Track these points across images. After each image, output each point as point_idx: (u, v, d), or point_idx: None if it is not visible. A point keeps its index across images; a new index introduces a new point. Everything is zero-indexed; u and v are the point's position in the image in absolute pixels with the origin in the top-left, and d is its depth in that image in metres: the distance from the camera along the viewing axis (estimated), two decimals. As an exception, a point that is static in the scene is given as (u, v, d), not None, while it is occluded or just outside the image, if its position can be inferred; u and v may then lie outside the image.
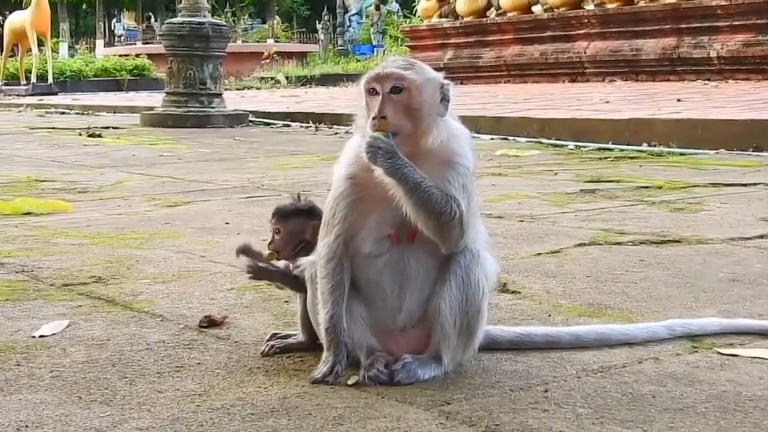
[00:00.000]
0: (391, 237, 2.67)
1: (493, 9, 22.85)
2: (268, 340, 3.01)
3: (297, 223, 2.94)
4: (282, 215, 2.98)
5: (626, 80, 18.59)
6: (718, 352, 2.92)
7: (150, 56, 32.29)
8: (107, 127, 14.03)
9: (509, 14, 21.98)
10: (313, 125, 13.94)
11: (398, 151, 2.57)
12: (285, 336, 3.02)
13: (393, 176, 2.57)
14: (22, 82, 27.41)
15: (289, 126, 14.36)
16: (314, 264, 2.78)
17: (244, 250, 3.01)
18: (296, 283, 2.90)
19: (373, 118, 2.59)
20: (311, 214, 2.93)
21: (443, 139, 2.66)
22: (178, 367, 2.84)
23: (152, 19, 65.90)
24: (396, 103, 2.60)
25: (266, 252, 3.00)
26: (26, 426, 2.38)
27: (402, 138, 2.61)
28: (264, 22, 60.71)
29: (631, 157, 8.99)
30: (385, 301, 2.72)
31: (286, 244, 2.96)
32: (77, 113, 19.00)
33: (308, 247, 2.88)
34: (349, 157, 2.72)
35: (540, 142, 10.56)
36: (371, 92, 2.63)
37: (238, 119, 14.68)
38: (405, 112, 2.61)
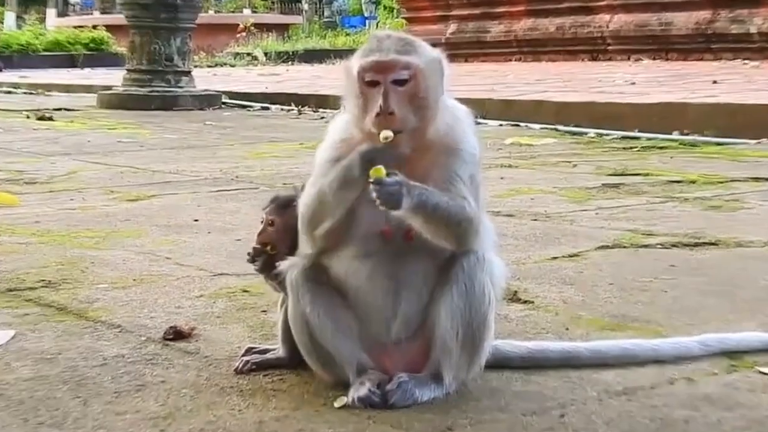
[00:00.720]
0: (384, 234, 2.66)
1: (502, -24, 22.88)
2: (242, 355, 3.00)
3: (294, 215, 2.94)
4: (281, 204, 2.98)
5: (654, 59, 18.62)
6: (760, 372, 2.92)
7: (109, 28, 32.21)
8: (59, 109, 14.02)
9: (521, -18, 22.00)
10: (296, 108, 13.94)
11: (406, 180, 2.57)
12: (263, 351, 3.01)
13: (415, 212, 2.59)
14: (-39, 57, 27.35)
15: (268, 109, 14.36)
16: (295, 267, 2.77)
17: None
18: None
19: (377, 115, 2.59)
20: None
21: (446, 124, 2.67)
22: (139, 385, 2.83)
23: (112, -14, 65.81)
24: (401, 95, 2.60)
25: (253, 246, 3.00)
26: (-37, 453, 2.37)
27: (407, 134, 2.61)
28: (240, -10, 60.60)
29: (661, 147, 8.99)
30: (377, 309, 2.71)
31: (279, 239, 2.95)
32: (25, 93, 18.98)
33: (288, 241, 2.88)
34: (335, 139, 2.73)
35: (556, 130, 10.56)
36: (370, 82, 2.62)
37: (209, 101, 14.68)
38: (410, 103, 2.61)
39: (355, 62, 2.65)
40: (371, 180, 2.55)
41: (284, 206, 2.96)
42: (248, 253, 2.98)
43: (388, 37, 2.66)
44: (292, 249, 2.90)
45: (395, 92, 2.60)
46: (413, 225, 2.63)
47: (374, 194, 2.55)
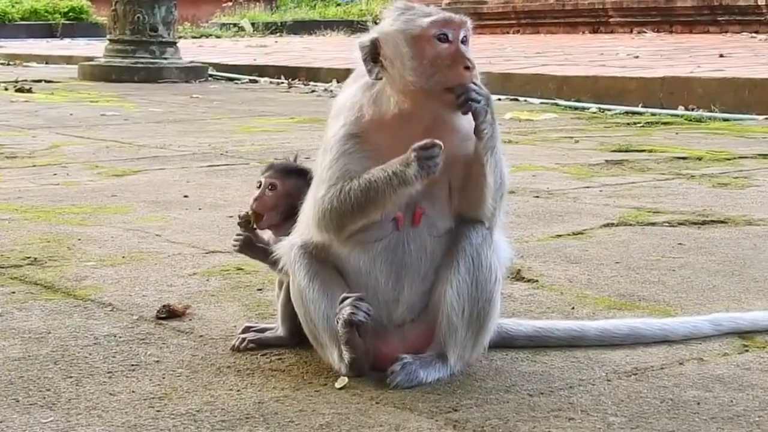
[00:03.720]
0: (396, 220, 2.69)
1: (500, -56, 22.85)
2: (240, 334, 3.02)
3: (297, 183, 2.95)
4: (282, 170, 3.01)
5: (658, 31, 18.63)
6: (773, 352, 2.95)
7: (89, -4, 32.12)
8: (39, 81, 14.00)
9: (519, -49, 21.98)
10: (286, 81, 13.93)
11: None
12: (261, 329, 3.03)
13: (494, 139, 2.66)
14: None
15: (256, 82, 14.35)
16: (296, 246, 2.79)
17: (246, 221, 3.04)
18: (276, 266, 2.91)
19: (467, 68, 2.60)
20: (308, 180, 2.93)
21: None
22: (132, 365, 2.85)
23: (91, -47, 65.53)
24: None
25: (244, 211, 3.03)
26: (-46, 433, 2.39)
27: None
28: (225, -42, 60.44)
29: (666, 123, 9.02)
30: (378, 292, 2.73)
31: (277, 205, 2.98)
32: (2, 63, 18.92)
33: (295, 217, 2.88)
34: (353, 116, 2.71)
35: (557, 104, 10.58)
36: (441, 38, 2.64)
37: (195, 73, 14.66)
38: None
39: (418, 20, 2.64)
40: (466, 78, 2.60)
41: (286, 171, 2.98)
42: (239, 216, 3.03)
43: (427, 5, 2.71)
44: (286, 217, 2.93)
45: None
46: (485, 163, 2.65)
47: (461, 96, 2.59)
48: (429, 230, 2.71)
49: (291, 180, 2.97)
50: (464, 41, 2.64)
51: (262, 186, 3.01)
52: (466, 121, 2.67)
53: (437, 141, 2.57)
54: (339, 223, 2.68)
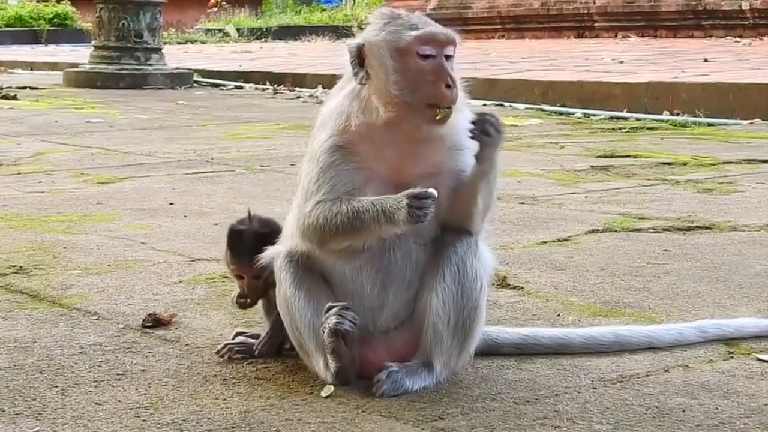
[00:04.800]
0: None
1: (485, -50, 22.88)
2: (232, 339, 3.02)
3: (261, 268, 2.89)
4: (239, 254, 2.95)
5: (643, 36, 18.66)
6: (758, 359, 2.96)
7: (74, 2, 32.05)
8: (23, 88, 13.96)
9: (504, -44, 22.01)
10: (271, 87, 13.92)
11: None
12: (253, 336, 3.02)
13: (493, 169, 2.71)
14: None
15: (241, 88, 14.34)
16: (281, 255, 2.79)
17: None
18: (278, 331, 2.92)
19: (448, 87, 2.61)
20: (272, 235, 2.91)
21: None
22: (118, 374, 2.85)
23: (76, -42, 65.44)
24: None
25: (232, 300, 3.03)
26: (-61, 444, 2.38)
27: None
28: (210, -37, 60.37)
29: (650, 128, 9.04)
30: (364, 300, 2.74)
31: (254, 289, 2.97)
32: (-14, 70, 18.88)
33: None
34: (338, 126, 2.71)
35: (542, 110, 10.59)
36: (424, 55, 2.64)
37: (180, 79, 14.64)
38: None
39: (402, 34, 2.63)
40: (445, 99, 2.61)
41: (243, 254, 2.93)
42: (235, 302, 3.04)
43: (412, 14, 2.70)
44: (266, 287, 2.94)
45: (449, 68, 2.64)
46: (478, 189, 2.69)
47: (477, 126, 2.63)
48: (415, 238, 2.72)
49: (252, 261, 2.89)
50: (449, 57, 2.64)
51: (233, 277, 3.02)
52: (453, 132, 2.68)
53: (432, 190, 2.58)
54: (321, 240, 2.70)
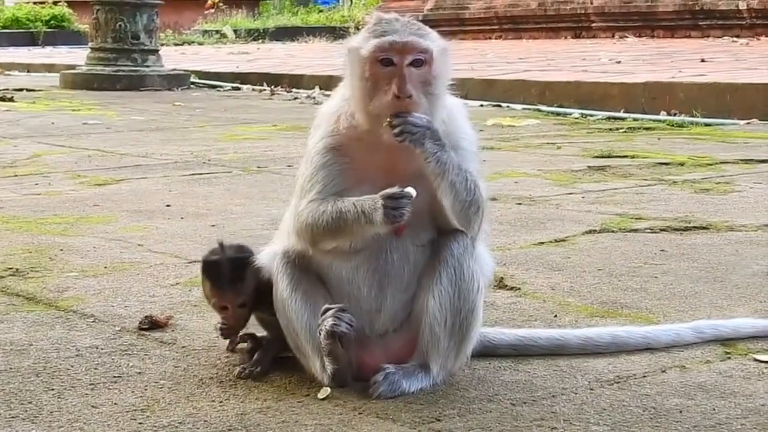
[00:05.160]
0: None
1: (482, -50, 22.88)
2: (239, 342, 3.00)
3: (240, 287, 2.86)
4: (220, 285, 2.87)
5: (640, 36, 18.67)
6: (755, 359, 2.96)
7: (70, 4, 32.05)
8: (20, 89, 13.95)
9: (501, -43, 22.01)
10: (268, 88, 13.91)
11: (435, 126, 2.62)
12: (250, 336, 3.00)
13: (442, 163, 2.63)
14: None
15: (239, 89, 14.34)
16: (278, 255, 2.79)
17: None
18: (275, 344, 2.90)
19: (396, 97, 2.60)
20: (249, 260, 2.87)
21: (444, 119, 2.70)
22: (115, 377, 2.84)
23: (72, -40, 65.39)
24: (415, 79, 2.63)
25: (216, 327, 3.00)
26: (-65, 447, 2.38)
27: None
28: (207, -36, 60.33)
29: (648, 128, 9.04)
30: (361, 302, 2.74)
31: (240, 318, 2.93)
32: (-17, 72, 18.87)
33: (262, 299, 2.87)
34: (331, 127, 2.72)
35: (539, 110, 10.59)
36: (384, 62, 2.63)
37: (177, 80, 14.64)
38: (423, 89, 2.64)
39: (367, 42, 2.64)
40: (392, 107, 2.58)
41: (225, 285, 2.87)
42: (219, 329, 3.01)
43: (397, 19, 2.68)
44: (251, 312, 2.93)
45: (411, 75, 2.62)
46: (438, 187, 2.64)
47: (397, 128, 2.58)
48: (412, 240, 2.72)
49: (234, 291, 2.87)
50: (416, 64, 2.62)
51: (216, 311, 2.95)
52: (445, 132, 2.69)
53: (408, 190, 2.58)
54: (313, 239, 2.70)
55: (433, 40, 2.66)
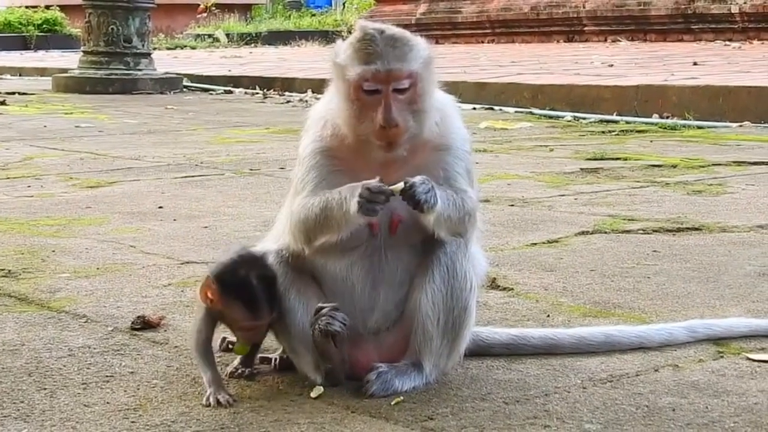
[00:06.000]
0: (371, 228, 2.69)
1: (474, -46, 22.90)
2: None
3: (274, 304, 2.72)
4: (259, 305, 2.69)
5: (632, 40, 18.70)
6: (748, 358, 2.96)
7: (63, 8, 32.03)
8: (12, 93, 13.94)
9: (494, -40, 22.03)
10: (261, 92, 13.92)
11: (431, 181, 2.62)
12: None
13: (438, 214, 2.63)
14: None
15: (231, 92, 14.34)
16: (271, 253, 2.79)
17: None
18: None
19: (382, 128, 2.60)
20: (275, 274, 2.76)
21: (437, 122, 2.71)
22: (107, 376, 2.84)
23: (65, -36, 65.35)
24: (400, 103, 2.63)
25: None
26: (-73, 446, 2.38)
27: (407, 138, 2.65)
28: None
29: (640, 131, 9.04)
30: (354, 300, 2.74)
31: (264, 333, 2.81)
32: (-25, 76, 18.85)
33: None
34: (320, 132, 2.74)
35: (531, 113, 10.60)
36: (369, 91, 2.63)
37: (170, 84, 14.63)
38: (410, 110, 2.64)
39: (351, 65, 2.63)
40: (401, 190, 2.59)
41: (266, 303, 2.72)
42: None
43: (381, 33, 2.63)
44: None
45: (396, 101, 2.62)
46: (426, 222, 2.65)
47: (409, 200, 2.58)
48: (406, 238, 2.72)
49: (270, 309, 2.71)
50: (400, 91, 2.61)
51: (246, 334, 2.79)
52: (438, 135, 2.70)
53: (386, 188, 2.58)
54: (306, 235, 2.70)
55: (416, 58, 2.64)
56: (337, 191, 2.64)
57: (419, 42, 2.70)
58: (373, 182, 2.59)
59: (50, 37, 30.26)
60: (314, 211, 2.66)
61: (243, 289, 2.68)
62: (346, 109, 2.66)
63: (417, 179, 2.59)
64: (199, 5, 33.61)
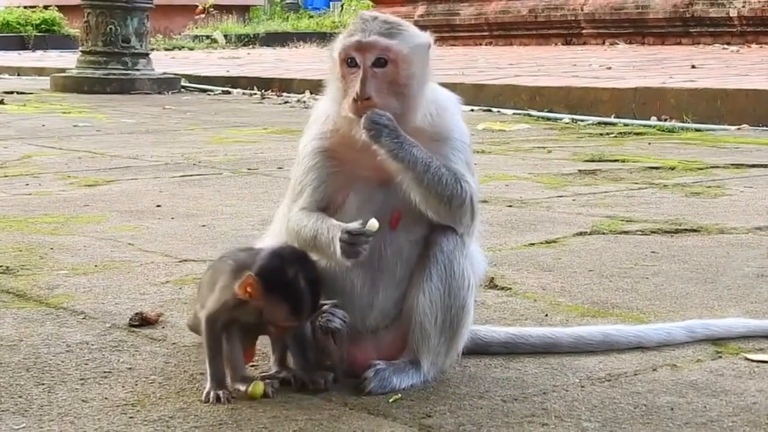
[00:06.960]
0: None
1: (473, -43, 22.90)
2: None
3: (318, 302, 2.66)
4: (306, 307, 2.61)
5: (630, 43, 18.70)
6: (746, 358, 2.97)
7: (61, 8, 32.01)
8: (11, 92, 13.93)
9: (492, -37, 22.04)
10: (259, 92, 13.92)
11: (397, 125, 2.60)
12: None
13: (401, 160, 2.62)
14: None
15: (229, 93, 14.33)
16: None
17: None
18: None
19: (354, 100, 2.61)
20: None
21: (432, 113, 2.69)
22: (105, 372, 2.84)
23: (63, -36, 65.31)
24: (380, 79, 2.63)
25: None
26: (-76, 441, 2.37)
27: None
28: (198, -30, 60.31)
29: (638, 133, 9.05)
30: (353, 298, 2.74)
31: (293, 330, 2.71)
32: (-27, 75, 18.84)
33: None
34: (320, 129, 2.74)
35: (529, 115, 10.60)
36: (349, 63, 2.64)
37: (168, 84, 14.62)
38: (391, 89, 2.64)
39: (338, 43, 2.67)
40: (353, 110, 2.59)
41: (314, 305, 2.65)
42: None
43: (373, 18, 2.66)
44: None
45: (374, 76, 2.62)
46: (404, 183, 2.64)
47: (366, 117, 2.58)
48: (406, 234, 2.72)
49: (314, 308, 2.65)
50: (379, 64, 2.61)
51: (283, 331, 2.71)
52: (433, 126, 2.68)
53: (367, 230, 2.57)
54: (298, 246, 2.71)
55: (404, 39, 2.64)
56: (326, 227, 2.61)
57: (413, 29, 2.71)
58: (353, 225, 2.58)
59: (48, 37, 30.23)
60: (307, 235, 2.67)
61: (290, 290, 2.60)
62: (336, 90, 2.68)
63: (374, 115, 2.58)
64: (197, 6, 33.59)
